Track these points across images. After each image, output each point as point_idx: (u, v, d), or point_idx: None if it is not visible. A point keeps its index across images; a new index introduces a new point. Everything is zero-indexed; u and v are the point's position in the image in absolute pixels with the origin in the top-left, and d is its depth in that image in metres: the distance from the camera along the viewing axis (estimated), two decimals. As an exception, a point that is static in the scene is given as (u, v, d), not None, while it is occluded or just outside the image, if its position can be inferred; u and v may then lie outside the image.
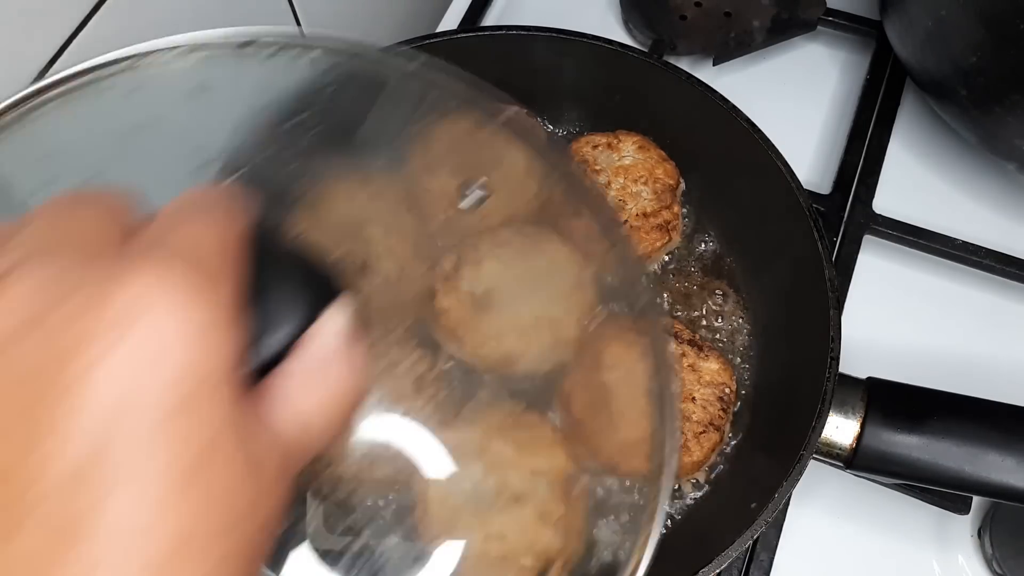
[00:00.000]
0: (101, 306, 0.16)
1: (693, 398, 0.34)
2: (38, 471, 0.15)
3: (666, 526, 0.33)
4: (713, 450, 0.35)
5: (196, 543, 0.16)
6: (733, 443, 0.40)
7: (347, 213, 0.31)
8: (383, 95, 0.30)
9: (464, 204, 0.29)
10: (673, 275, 0.36)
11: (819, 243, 0.40)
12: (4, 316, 0.16)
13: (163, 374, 0.16)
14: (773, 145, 0.42)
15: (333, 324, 0.20)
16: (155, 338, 0.16)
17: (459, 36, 0.50)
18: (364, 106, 0.31)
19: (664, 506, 0.26)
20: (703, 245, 0.44)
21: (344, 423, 0.20)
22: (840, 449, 0.35)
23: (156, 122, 0.29)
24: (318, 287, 0.21)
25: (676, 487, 0.34)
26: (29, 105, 0.27)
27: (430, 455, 0.31)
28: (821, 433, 0.35)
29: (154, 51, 0.28)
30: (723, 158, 0.43)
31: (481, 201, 0.30)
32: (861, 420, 0.35)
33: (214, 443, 0.16)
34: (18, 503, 0.15)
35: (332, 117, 0.30)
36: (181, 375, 0.16)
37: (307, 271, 0.21)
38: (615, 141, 0.39)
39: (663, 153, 0.43)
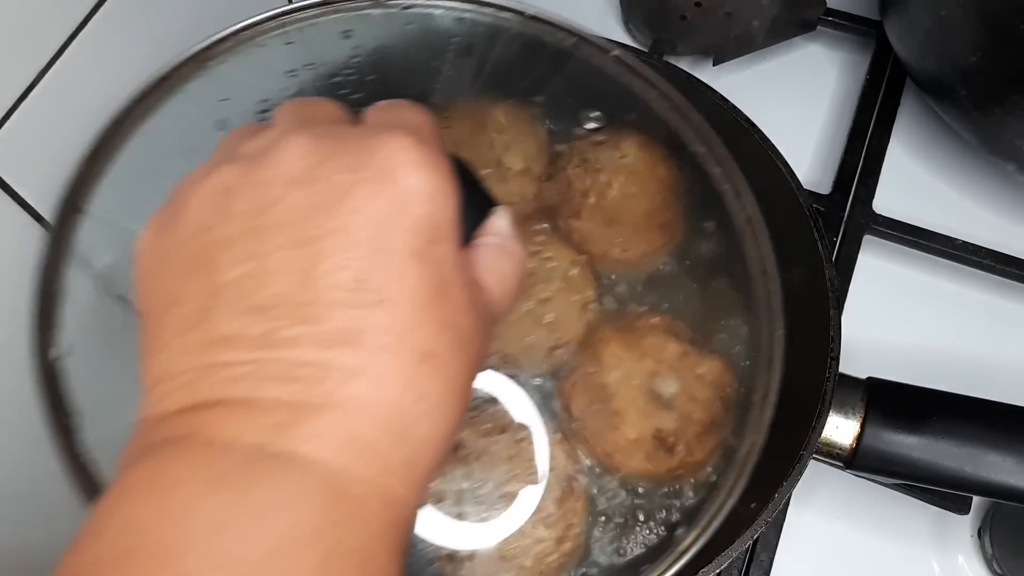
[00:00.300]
0: (362, 162, 0.20)
1: (692, 398, 0.34)
2: (314, 292, 0.19)
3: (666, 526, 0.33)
4: (712, 450, 0.35)
5: (436, 358, 0.19)
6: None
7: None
8: (506, 41, 0.37)
9: (588, 125, 0.36)
10: (674, 274, 0.37)
11: (819, 243, 0.40)
12: (288, 164, 0.20)
13: (409, 220, 0.20)
14: (773, 145, 0.42)
15: (505, 217, 0.25)
16: (404, 190, 0.20)
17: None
18: (488, 52, 0.37)
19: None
20: (703, 245, 0.43)
21: (517, 295, 0.24)
22: (840, 449, 0.35)
23: (309, 64, 0.35)
24: (482, 192, 0.25)
25: (676, 488, 0.34)
26: (202, 58, 0.34)
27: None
28: (821, 433, 0.35)
29: (303, 7, 0.35)
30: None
31: (599, 129, 0.37)
32: (861, 420, 0.35)
33: (446, 280, 0.20)
34: (300, 316, 0.19)
35: (459, 61, 0.37)
36: (422, 223, 0.20)
37: (472, 178, 0.25)
38: (616, 140, 0.39)
39: (664, 152, 0.43)
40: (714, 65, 0.54)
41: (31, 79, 0.34)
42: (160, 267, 0.21)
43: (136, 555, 0.17)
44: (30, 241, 0.37)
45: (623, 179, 0.38)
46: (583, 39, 0.36)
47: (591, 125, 0.36)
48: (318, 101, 0.24)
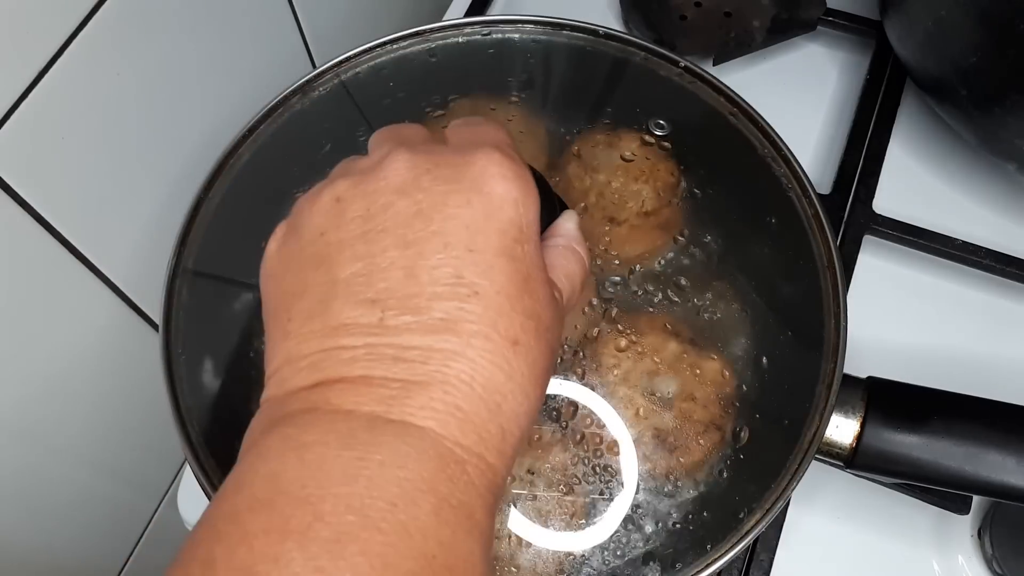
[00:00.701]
0: (458, 175, 0.23)
1: (694, 397, 0.34)
2: (418, 286, 0.22)
3: (666, 525, 0.33)
4: (714, 450, 0.35)
5: (521, 344, 0.22)
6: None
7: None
8: (588, 58, 0.42)
9: (657, 132, 0.39)
10: (674, 274, 0.36)
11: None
12: (395, 176, 0.23)
13: (498, 224, 0.23)
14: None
15: (572, 220, 0.28)
16: (493, 198, 0.23)
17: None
18: (569, 69, 0.43)
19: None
20: (708, 248, 0.43)
21: (580, 293, 0.27)
22: (840, 448, 0.35)
23: (397, 86, 0.42)
24: (552, 196, 0.28)
25: (677, 486, 0.34)
26: (306, 89, 0.41)
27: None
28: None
29: (395, 38, 0.42)
30: (724, 157, 0.43)
31: (665, 136, 0.39)
32: (861, 419, 0.35)
33: (529, 275, 0.23)
34: (406, 307, 0.22)
35: (540, 78, 0.42)
36: (509, 225, 0.23)
37: (544, 184, 0.27)
38: (615, 139, 0.39)
39: (664, 151, 0.43)
40: (714, 65, 0.54)
41: (31, 79, 0.34)
42: (284, 268, 0.24)
43: (281, 500, 0.19)
44: (30, 242, 0.37)
45: (623, 178, 0.38)
46: (653, 52, 0.41)
47: (659, 132, 0.39)
48: (407, 125, 0.28)
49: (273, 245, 0.25)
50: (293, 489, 0.19)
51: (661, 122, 0.39)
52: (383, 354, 0.21)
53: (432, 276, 0.22)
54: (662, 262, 0.37)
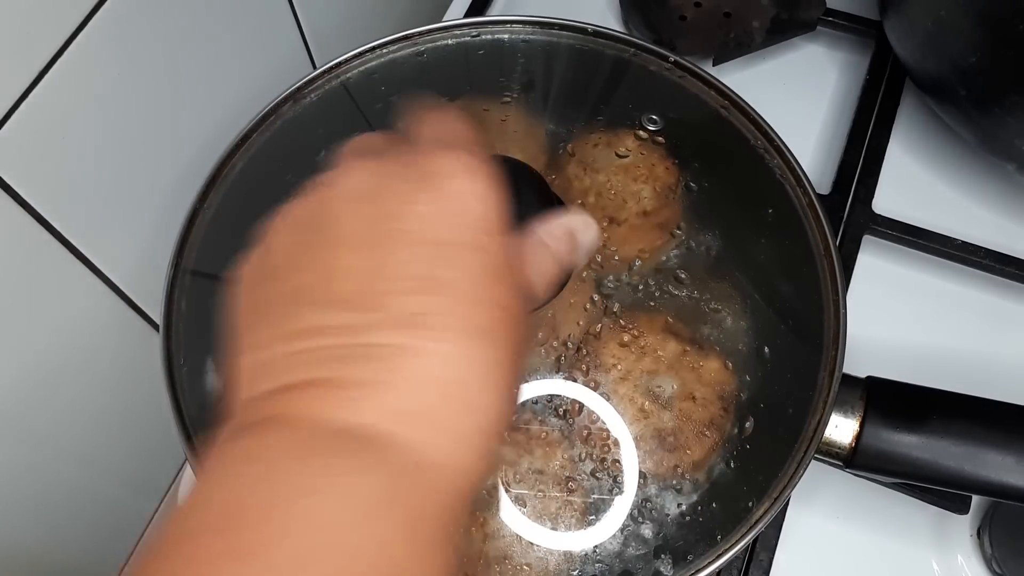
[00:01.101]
0: (419, 174, 0.23)
1: (693, 397, 0.34)
2: (385, 284, 0.21)
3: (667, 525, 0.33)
4: (713, 448, 0.35)
5: (494, 336, 0.22)
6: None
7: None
8: (578, 57, 0.42)
9: (649, 126, 0.39)
10: (673, 274, 0.37)
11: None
12: (354, 184, 0.23)
13: (464, 218, 0.22)
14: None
15: (559, 214, 0.27)
16: (459, 196, 0.22)
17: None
18: (560, 68, 0.43)
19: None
20: (703, 244, 0.43)
21: (554, 288, 0.26)
22: (839, 448, 0.35)
23: (394, 87, 0.42)
24: (540, 189, 0.28)
25: (676, 486, 0.34)
26: (297, 96, 0.41)
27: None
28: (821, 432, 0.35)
29: (385, 42, 0.42)
30: (718, 151, 0.43)
31: (658, 130, 0.40)
32: (860, 419, 0.35)
33: (499, 267, 0.22)
34: (373, 305, 0.21)
35: (532, 77, 0.42)
36: (477, 222, 0.22)
37: (532, 177, 0.28)
38: (613, 139, 0.39)
39: (663, 152, 0.43)
40: (714, 65, 0.54)
41: (32, 79, 0.34)
42: (251, 287, 0.24)
43: (242, 517, 0.18)
44: (30, 241, 0.37)
45: (622, 178, 0.38)
46: (643, 48, 0.41)
47: (652, 127, 0.39)
48: (369, 135, 0.27)
49: (242, 269, 0.25)
50: (255, 504, 0.18)
51: (654, 117, 0.39)
52: (351, 354, 0.21)
53: (400, 272, 0.21)
54: (662, 261, 0.37)
